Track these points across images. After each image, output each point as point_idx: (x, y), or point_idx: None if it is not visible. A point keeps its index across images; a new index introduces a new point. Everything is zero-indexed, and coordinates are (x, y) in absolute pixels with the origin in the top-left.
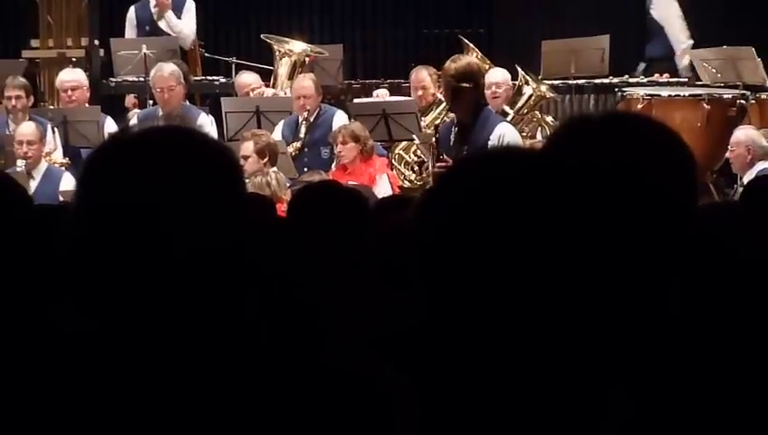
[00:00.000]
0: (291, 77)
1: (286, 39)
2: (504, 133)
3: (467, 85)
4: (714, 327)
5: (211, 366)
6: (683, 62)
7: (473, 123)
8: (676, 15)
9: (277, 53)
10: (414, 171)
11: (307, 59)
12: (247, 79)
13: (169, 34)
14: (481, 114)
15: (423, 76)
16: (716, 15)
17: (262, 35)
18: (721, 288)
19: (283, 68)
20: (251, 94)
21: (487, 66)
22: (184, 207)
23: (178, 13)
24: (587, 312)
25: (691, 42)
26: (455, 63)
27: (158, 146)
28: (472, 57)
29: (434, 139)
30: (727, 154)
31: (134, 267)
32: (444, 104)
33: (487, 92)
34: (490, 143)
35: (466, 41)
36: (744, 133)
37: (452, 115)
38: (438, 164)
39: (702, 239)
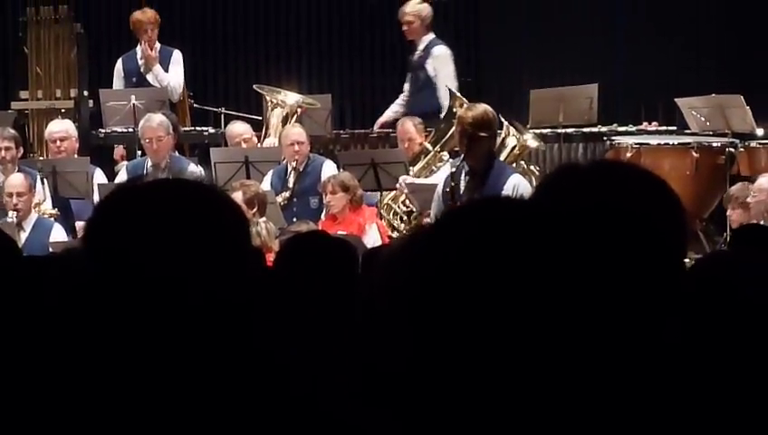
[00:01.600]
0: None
1: (278, 89)
2: (519, 184)
3: (484, 134)
4: (714, 372)
5: (215, 412)
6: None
7: (486, 172)
8: (452, 75)
9: (269, 103)
10: (403, 221)
11: (299, 110)
12: (239, 128)
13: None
14: (494, 163)
15: (408, 128)
16: (706, 63)
17: (254, 86)
18: (722, 333)
19: (274, 118)
20: (243, 144)
21: None
22: (194, 257)
23: (165, 64)
24: (579, 359)
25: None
26: (471, 112)
27: (168, 196)
28: (485, 105)
29: (449, 187)
30: (749, 199)
31: (141, 317)
32: (431, 153)
33: None
34: (504, 193)
35: (452, 89)
36: (767, 180)
37: (440, 164)
38: None
39: (702, 285)
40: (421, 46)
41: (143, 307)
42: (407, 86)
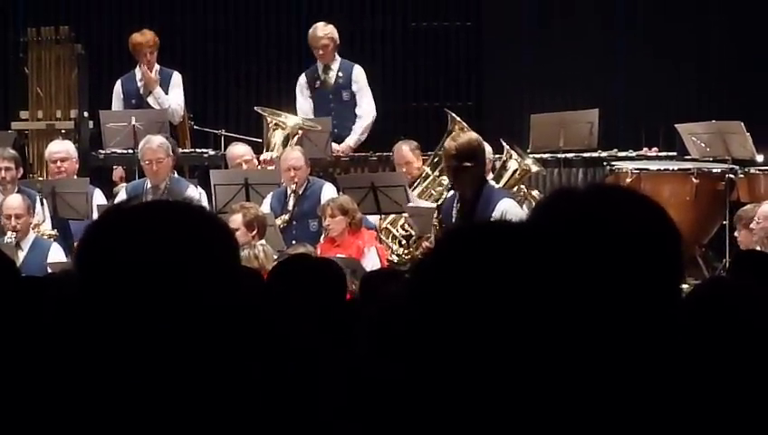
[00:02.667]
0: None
1: (279, 111)
2: (507, 210)
3: (469, 164)
4: (712, 397)
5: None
6: (354, 136)
7: (476, 199)
8: (369, 94)
9: (270, 124)
10: (402, 245)
11: (300, 132)
12: (239, 150)
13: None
14: (484, 189)
15: (405, 153)
16: (707, 90)
17: (256, 107)
18: (719, 357)
19: (276, 139)
20: (243, 166)
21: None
22: (183, 277)
23: (165, 86)
24: (577, 379)
25: (372, 119)
26: (455, 142)
27: (157, 217)
28: (472, 133)
29: (436, 219)
30: (752, 225)
31: (130, 337)
32: (431, 177)
33: None
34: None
35: (452, 114)
36: None
37: (439, 188)
38: None
39: (700, 311)
40: (335, 67)
41: (132, 327)
42: (308, 107)
